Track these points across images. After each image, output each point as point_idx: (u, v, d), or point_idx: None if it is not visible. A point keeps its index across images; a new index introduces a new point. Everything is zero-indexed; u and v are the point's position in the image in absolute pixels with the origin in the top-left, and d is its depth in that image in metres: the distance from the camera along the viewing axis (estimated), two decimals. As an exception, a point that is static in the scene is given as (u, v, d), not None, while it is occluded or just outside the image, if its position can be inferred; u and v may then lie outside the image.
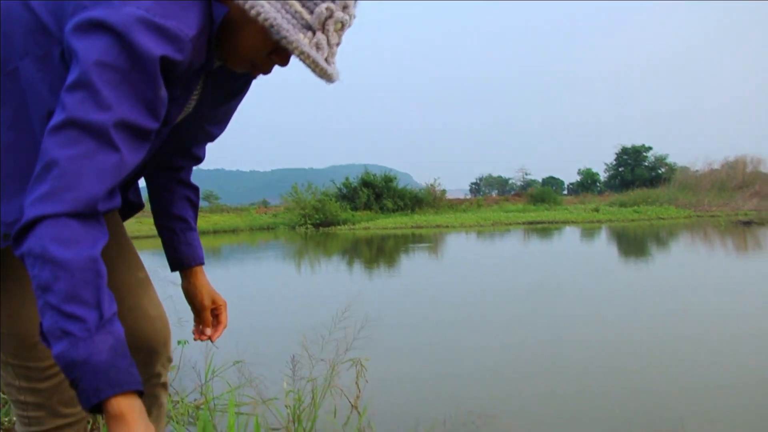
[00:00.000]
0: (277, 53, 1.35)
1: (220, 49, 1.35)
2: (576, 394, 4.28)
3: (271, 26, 1.23)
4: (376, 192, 43.34)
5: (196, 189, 1.89)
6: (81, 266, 1.06)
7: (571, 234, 25.57)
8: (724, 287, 9.60)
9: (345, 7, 1.30)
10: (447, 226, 32.01)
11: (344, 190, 44.11)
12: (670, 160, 75.75)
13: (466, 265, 14.78)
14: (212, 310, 1.85)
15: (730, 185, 45.01)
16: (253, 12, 1.23)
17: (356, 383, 3.77)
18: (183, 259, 1.82)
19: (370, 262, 15.65)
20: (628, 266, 13.79)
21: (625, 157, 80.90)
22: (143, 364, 1.71)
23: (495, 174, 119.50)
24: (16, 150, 1.26)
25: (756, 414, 3.86)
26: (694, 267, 12.95)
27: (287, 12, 1.25)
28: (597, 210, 38.73)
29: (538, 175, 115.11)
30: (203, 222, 37.47)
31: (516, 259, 16.12)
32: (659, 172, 71.39)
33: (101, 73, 1.09)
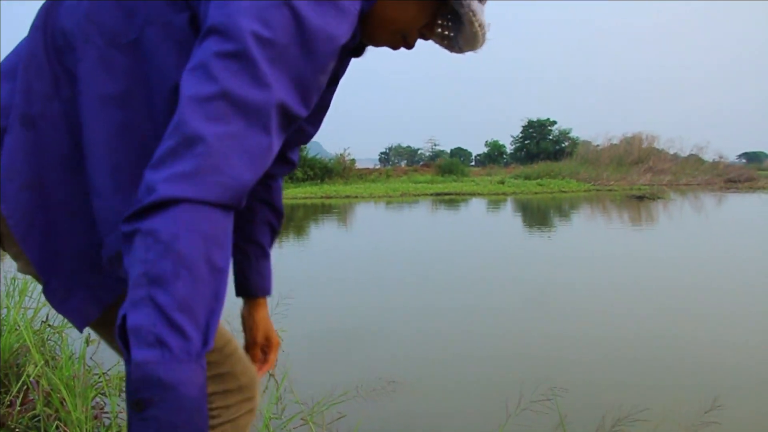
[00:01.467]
0: (430, 24, 1.25)
1: (364, 23, 1.17)
2: (479, 359, 4.73)
3: None
4: (285, 161, 43.12)
5: (280, 214, 1.71)
6: (207, 276, 0.89)
7: (476, 205, 26.43)
8: (618, 257, 10.44)
9: None
10: (356, 197, 32.34)
11: (253, 160, 43.67)
12: (573, 134, 78.28)
13: (374, 235, 15.19)
14: (263, 347, 1.69)
15: (627, 160, 47.22)
16: None
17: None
18: (251, 288, 1.66)
19: (281, 233, 15.74)
20: (530, 236, 14.55)
21: (530, 130, 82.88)
22: None
23: (404, 144, 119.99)
24: (130, 131, 1.11)
25: (635, 373, 4.40)
26: (591, 238, 13.82)
27: None
28: (503, 182, 39.79)
29: (447, 146, 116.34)
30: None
31: (424, 229, 16.71)
32: (563, 145, 73.58)
33: (261, 45, 0.94)
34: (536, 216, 21.35)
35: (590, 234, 14.78)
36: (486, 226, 18.21)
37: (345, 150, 47.26)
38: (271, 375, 3.87)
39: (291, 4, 0.95)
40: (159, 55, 1.08)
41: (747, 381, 4.13)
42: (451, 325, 6.00)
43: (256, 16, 0.94)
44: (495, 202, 28.03)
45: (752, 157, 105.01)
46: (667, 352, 5.01)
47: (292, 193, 34.26)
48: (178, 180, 0.88)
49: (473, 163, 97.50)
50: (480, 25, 1.17)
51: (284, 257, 10.92)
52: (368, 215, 22.66)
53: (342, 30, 1.01)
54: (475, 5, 1.15)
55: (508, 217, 21.66)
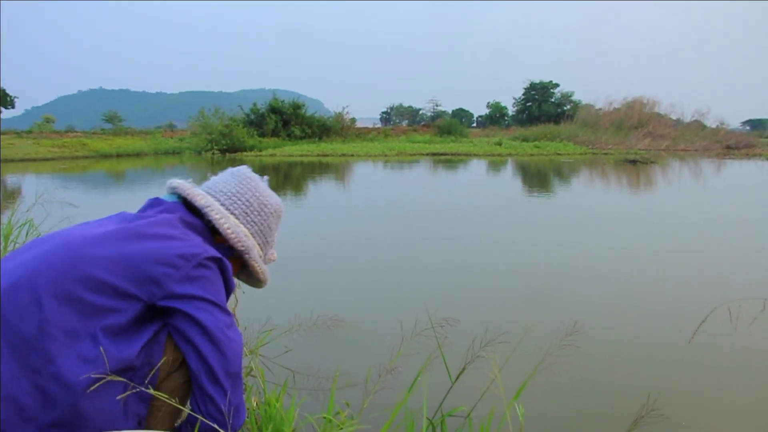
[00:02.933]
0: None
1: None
2: (402, 301, 5.01)
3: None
4: (284, 119, 43.18)
5: None
6: None
7: (470, 165, 26.62)
8: (584, 218, 10.78)
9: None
10: (353, 155, 32.53)
11: (252, 116, 43.72)
12: (575, 97, 78.05)
13: (357, 191, 15.58)
14: None
15: (626, 125, 47.17)
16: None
17: (234, 294, 4.25)
18: None
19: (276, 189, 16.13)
20: (511, 196, 14.87)
21: (533, 92, 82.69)
22: None
23: (406, 104, 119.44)
24: None
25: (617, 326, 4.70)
26: (568, 200, 14.10)
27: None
28: (500, 144, 39.93)
29: (449, 107, 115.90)
30: (106, 145, 36.64)
31: (404, 185, 17.14)
32: (564, 108, 73.35)
33: None
34: (521, 177, 21.64)
35: (560, 195, 15.07)
36: (466, 184, 18.69)
37: (344, 108, 47.33)
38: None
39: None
40: None
41: (604, 311, 5.10)
42: (390, 272, 6.76)
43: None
44: (490, 163, 28.22)
45: (756, 125, 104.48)
46: (545, 289, 5.91)
47: (289, 151, 34.47)
48: None
49: (474, 125, 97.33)
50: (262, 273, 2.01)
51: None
52: (359, 173, 22.89)
53: None
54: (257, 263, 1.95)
55: (492, 177, 21.97)
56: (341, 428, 2.31)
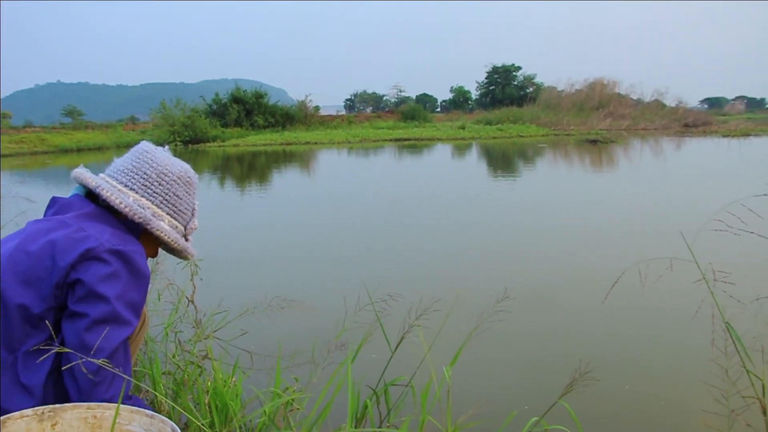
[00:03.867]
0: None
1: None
2: (366, 279, 5.12)
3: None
4: (246, 108, 42.85)
5: None
6: None
7: (432, 150, 26.80)
8: (529, 197, 11.29)
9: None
10: (316, 143, 32.48)
11: (214, 107, 43.33)
12: (538, 79, 78.40)
13: (316, 179, 15.71)
14: None
15: (588, 105, 47.64)
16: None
17: (191, 281, 4.27)
18: None
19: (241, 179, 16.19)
20: (462, 179, 15.21)
21: (495, 76, 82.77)
22: None
23: (370, 90, 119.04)
24: None
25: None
26: (518, 180, 14.38)
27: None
28: (463, 128, 40.11)
29: (413, 92, 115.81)
30: (66, 140, 36.09)
31: (366, 173, 17.44)
32: (527, 91, 73.64)
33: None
34: (477, 160, 21.99)
35: (511, 176, 15.35)
36: (423, 169, 19.10)
37: (307, 97, 47.14)
38: (190, 301, 4.19)
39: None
40: None
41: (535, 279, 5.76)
42: (341, 254, 7.22)
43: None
44: (454, 146, 28.43)
45: (714, 103, 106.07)
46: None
47: (252, 140, 34.30)
48: None
49: (439, 110, 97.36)
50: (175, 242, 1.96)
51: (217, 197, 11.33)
52: (321, 161, 22.93)
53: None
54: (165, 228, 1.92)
55: (450, 161, 22.30)
56: (290, 401, 2.40)
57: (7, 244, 1.80)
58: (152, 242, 1.99)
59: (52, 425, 1.56)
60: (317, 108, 48.98)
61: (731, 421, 1.74)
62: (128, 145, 36.89)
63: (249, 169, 19.56)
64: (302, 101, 46.80)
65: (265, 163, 21.78)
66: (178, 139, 34.65)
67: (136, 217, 1.85)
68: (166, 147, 2.08)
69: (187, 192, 2.01)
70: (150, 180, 1.92)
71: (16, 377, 1.68)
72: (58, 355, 1.71)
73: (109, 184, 1.87)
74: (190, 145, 33.68)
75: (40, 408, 1.54)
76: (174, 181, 1.96)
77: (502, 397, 3.31)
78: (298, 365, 3.19)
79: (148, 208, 1.90)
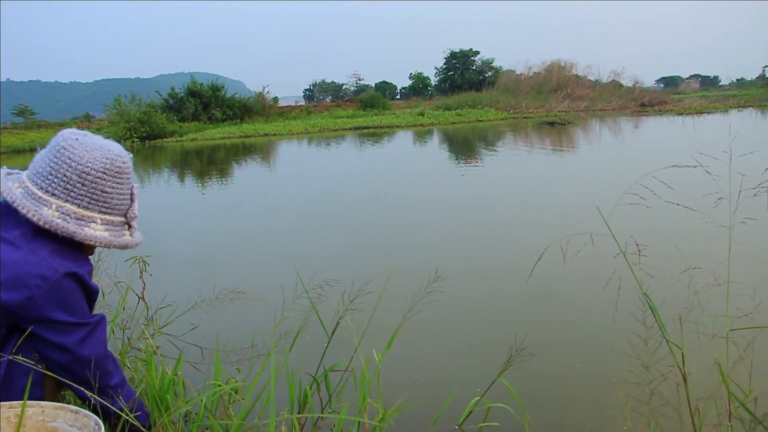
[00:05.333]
0: None
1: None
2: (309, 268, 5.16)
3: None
4: (203, 102, 42.34)
5: None
6: None
7: (392, 137, 26.82)
8: (470, 178, 11.76)
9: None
10: (275, 135, 32.27)
11: (171, 101, 42.76)
12: (496, 63, 78.70)
13: (269, 171, 15.69)
14: None
15: (546, 88, 47.99)
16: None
17: (141, 278, 4.24)
18: None
19: (201, 174, 16.10)
20: (405, 163, 15.34)
21: (454, 61, 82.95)
22: None
23: (329, 80, 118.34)
24: None
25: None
26: (488, 161, 14.51)
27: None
28: (422, 114, 40.15)
29: (372, 80, 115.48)
30: (18, 140, 35.34)
31: (316, 164, 17.55)
32: (486, 75, 73.89)
33: None
34: (442, 142, 22.11)
35: (486, 156, 15.49)
36: (386, 151, 19.21)
37: (264, 88, 46.74)
38: (140, 298, 4.15)
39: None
40: None
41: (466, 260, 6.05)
42: (284, 245, 7.35)
43: None
44: (414, 133, 28.50)
45: (669, 82, 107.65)
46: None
47: (210, 134, 33.98)
48: None
49: (399, 97, 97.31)
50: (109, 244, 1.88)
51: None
52: (277, 153, 22.85)
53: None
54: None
55: (412, 144, 22.41)
56: (232, 392, 2.40)
57: None
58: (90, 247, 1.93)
59: (-27, 426, 1.54)
60: (276, 99, 48.64)
61: (650, 392, 1.78)
62: (83, 143, 36.63)
63: (208, 164, 19.40)
64: (260, 93, 46.41)
65: (224, 157, 21.61)
66: (134, 135, 34.13)
67: (59, 232, 1.74)
68: (85, 133, 1.92)
69: (117, 183, 1.87)
70: (71, 182, 1.78)
71: None
72: (9, 364, 1.73)
73: (27, 196, 1.76)
74: (147, 141, 33.24)
75: (-43, 409, 1.53)
76: (98, 177, 1.81)
77: (441, 379, 3.35)
78: (243, 358, 3.19)
79: (74, 213, 1.78)
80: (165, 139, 33.56)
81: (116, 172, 1.86)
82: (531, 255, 2.08)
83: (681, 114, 32.43)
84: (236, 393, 2.46)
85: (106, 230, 1.86)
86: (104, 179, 1.83)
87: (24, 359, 1.68)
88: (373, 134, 29.06)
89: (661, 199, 1.95)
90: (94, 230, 1.83)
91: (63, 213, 1.76)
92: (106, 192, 1.84)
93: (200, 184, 14.14)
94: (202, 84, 43.40)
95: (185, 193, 13.08)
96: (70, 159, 1.79)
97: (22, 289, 1.65)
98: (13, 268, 1.66)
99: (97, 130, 40.46)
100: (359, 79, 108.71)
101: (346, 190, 11.88)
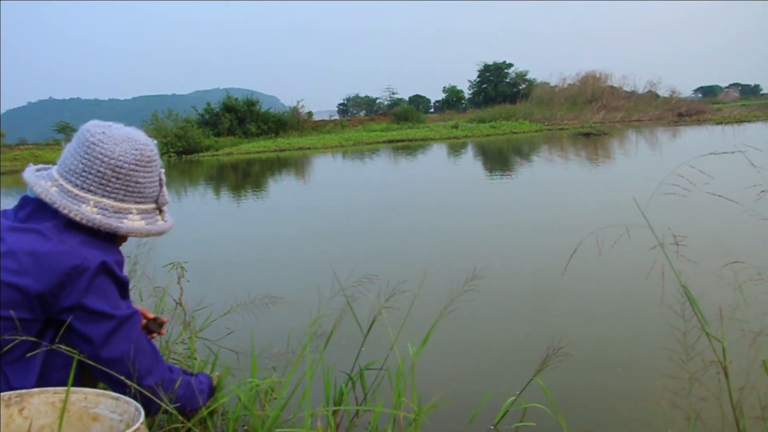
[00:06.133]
0: None
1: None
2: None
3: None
4: (239, 117, 42.87)
5: None
6: None
7: (426, 149, 26.83)
8: (508, 187, 11.77)
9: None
10: (309, 148, 32.52)
11: (206, 116, 43.36)
12: (530, 76, 78.42)
13: (306, 184, 15.82)
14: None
15: (581, 99, 47.65)
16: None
17: (178, 284, 4.29)
18: None
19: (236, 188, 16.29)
20: (445, 175, 15.33)
21: (487, 74, 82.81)
22: None
23: (362, 94, 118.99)
24: None
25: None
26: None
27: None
28: (456, 126, 40.14)
29: (406, 94, 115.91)
30: (59, 155, 35.91)
31: (352, 176, 17.69)
32: (520, 88, 73.61)
33: None
34: (477, 154, 22.05)
35: (495, 171, 15.43)
36: (411, 168, 19.31)
37: (299, 102, 47.16)
38: (178, 303, 4.21)
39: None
40: None
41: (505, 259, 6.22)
42: (321, 254, 7.30)
43: None
44: (449, 145, 28.50)
45: (707, 91, 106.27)
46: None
47: (246, 148, 34.34)
48: None
49: (432, 110, 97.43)
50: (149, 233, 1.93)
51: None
52: (314, 166, 22.99)
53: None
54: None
55: (447, 157, 22.40)
56: (269, 390, 2.42)
57: None
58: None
59: (20, 410, 1.58)
60: (310, 113, 49.02)
61: (690, 385, 1.75)
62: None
63: (244, 177, 19.60)
64: (294, 107, 46.80)
65: (259, 171, 21.81)
66: (171, 150, 34.63)
67: (102, 228, 1.78)
68: (111, 124, 1.94)
69: (147, 172, 1.90)
70: (106, 177, 1.82)
71: (7, 384, 1.69)
72: (46, 358, 1.75)
73: (63, 194, 1.79)
74: (183, 156, 33.69)
75: (6, 393, 1.57)
76: (131, 170, 1.85)
77: (476, 377, 3.34)
78: (279, 360, 3.21)
79: (111, 206, 1.82)
80: (201, 154, 34.00)
81: (146, 162, 1.89)
82: (566, 251, 2.07)
83: (720, 123, 31.93)
84: (272, 391, 2.48)
85: (142, 219, 1.89)
86: (136, 170, 1.86)
87: (66, 348, 1.70)
88: (407, 147, 29.09)
89: (699, 190, 1.93)
90: (132, 221, 1.86)
91: (101, 208, 1.80)
92: (139, 182, 1.87)
93: (236, 196, 14.29)
94: (237, 99, 43.95)
95: (221, 205, 13.25)
96: (101, 154, 1.82)
97: (53, 278, 1.67)
98: (44, 259, 1.68)
99: (136, 146, 41.20)
100: (393, 93, 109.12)
101: (381, 198, 12.03)
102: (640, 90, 51.87)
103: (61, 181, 1.82)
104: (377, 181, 15.30)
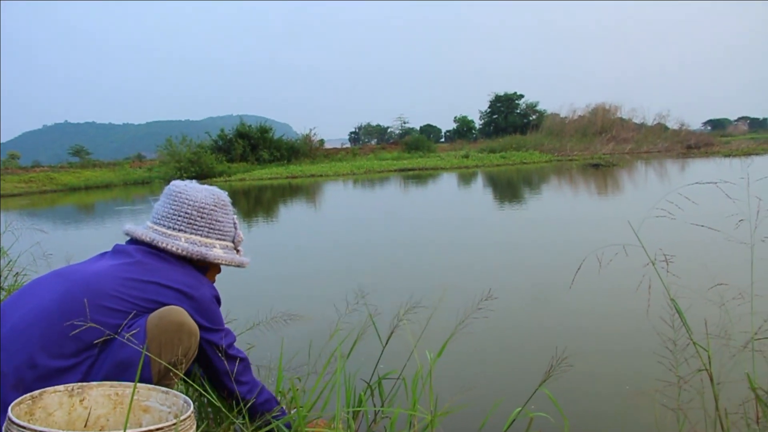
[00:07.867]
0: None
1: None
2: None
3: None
4: (252, 143, 43.35)
5: None
6: None
7: (434, 179, 27.10)
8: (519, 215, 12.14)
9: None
10: (321, 175, 32.83)
11: (220, 142, 43.85)
12: (540, 107, 78.89)
13: (317, 209, 16.10)
14: None
15: (590, 131, 47.88)
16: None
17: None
18: None
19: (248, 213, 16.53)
20: (455, 203, 15.49)
21: (498, 104, 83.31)
22: None
23: (374, 123, 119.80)
24: None
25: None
26: (530, 202, 14.64)
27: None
28: (467, 156, 40.40)
29: (417, 123, 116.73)
30: (74, 178, 36.56)
31: (363, 201, 17.95)
32: (530, 119, 73.96)
33: None
34: (487, 184, 22.28)
35: (530, 198, 15.62)
36: (421, 195, 19.70)
37: (311, 130, 47.63)
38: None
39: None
40: None
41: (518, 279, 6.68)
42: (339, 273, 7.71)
43: None
44: (459, 175, 28.76)
45: (716, 124, 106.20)
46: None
47: (258, 174, 34.68)
48: None
49: (443, 140, 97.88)
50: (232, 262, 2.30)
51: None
52: (325, 193, 23.27)
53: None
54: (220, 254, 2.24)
55: (457, 186, 22.65)
56: (292, 399, 2.61)
57: (99, 264, 2.11)
58: (215, 267, 2.33)
59: (81, 400, 1.79)
60: (322, 141, 49.50)
61: (679, 389, 1.95)
62: (135, 182, 36.90)
63: (255, 203, 19.87)
64: (307, 135, 47.31)
65: (271, 197, 22.10)
66: (184, 175, 34.97)
67: (194, 257, 2.17)
68: (190, 182, 2.35)
69: (225, 213, 2.31)
70: (192, 217, 2.21)
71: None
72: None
73: (161, 234, 2.17)
74: (197, 181, 34.07)
75: (71, 385, 1.78)
76: (212, 210, 2.26)
77: (487, 387, 3.56)
78: (300, 367, 3.41)
79: (199, 241, 2.20)
80: (214, 179, 34.36)
81: (223, 204, 2.32)
82: (570, 270, 2.28)
83: (728, 156, 32.05)
84: (293, 401, 2.68)
85: (224, 252, 2.28)
86: (216, 210, 2.27)
87: (134, 343, 1.91)
88: (418, 176, 29.35)
89: (685, 215, 2.14)
90: (217, 252, 2.24)
91: (191, 243, 2.18)
92: (219, 221, 2.28)
93: (251, 220, 14.54)
94: (250, 126, 44.47)
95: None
96: (187, 199, 2.23)
97: (184, 304, 2.05)
98: (176, 285, 2.06)
99: (149, 170, 41.75)
100: (404, 122, 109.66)
101: (392, 225, 12.38)
102: (650, 122, 52.03)
103: (155, 227, 2.20)
104: (388, 209, 15.61)
